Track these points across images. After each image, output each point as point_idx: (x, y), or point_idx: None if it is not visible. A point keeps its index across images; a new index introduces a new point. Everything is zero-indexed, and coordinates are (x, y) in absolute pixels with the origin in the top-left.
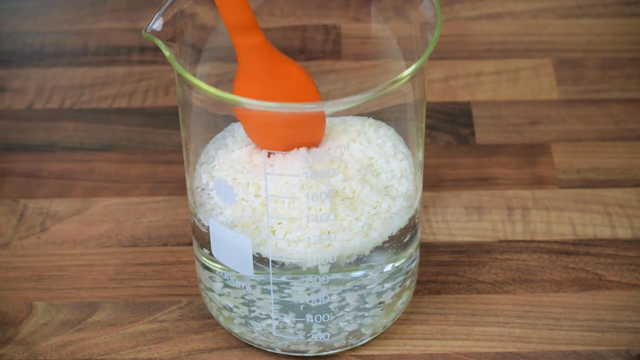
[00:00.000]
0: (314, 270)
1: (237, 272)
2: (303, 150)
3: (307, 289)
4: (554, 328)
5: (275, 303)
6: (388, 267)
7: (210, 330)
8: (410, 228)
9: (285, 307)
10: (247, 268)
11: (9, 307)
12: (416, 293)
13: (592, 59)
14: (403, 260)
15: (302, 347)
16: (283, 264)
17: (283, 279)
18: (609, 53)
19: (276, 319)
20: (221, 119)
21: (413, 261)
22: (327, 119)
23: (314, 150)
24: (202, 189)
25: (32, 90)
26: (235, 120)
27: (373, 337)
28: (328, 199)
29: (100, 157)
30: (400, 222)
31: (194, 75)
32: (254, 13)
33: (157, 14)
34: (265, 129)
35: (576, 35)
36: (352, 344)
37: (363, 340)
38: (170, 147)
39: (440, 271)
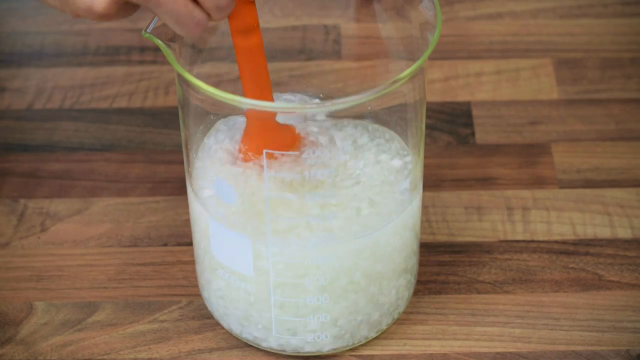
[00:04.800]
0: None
1: (237, 272)
2: (303, 151)
3: (307, 289)
4: (554, 328)
5: (275, 302)
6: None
7: (210, 330)
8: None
9: (285, 306)
10: (247, 268)
11: (9, 307)
12: (416, 293)
13: (592, 59)
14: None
15: (302, 347)
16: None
17: (283, 279)
18: (609, 53)
19: (276, 319)
20: (221, 119)
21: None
22: (326, 121)
23: (313, 151)
24: (202, 189)
25: (32, 90)
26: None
27: (373, 337)
28: (327, 200)
29: (100, 157)
30: (399, 222)
31: (194, 75)
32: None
33: None
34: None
35: (576, 35)
36: (352, 344)
37: (363, 340)
38: (170, 147)
39: (440, 271)
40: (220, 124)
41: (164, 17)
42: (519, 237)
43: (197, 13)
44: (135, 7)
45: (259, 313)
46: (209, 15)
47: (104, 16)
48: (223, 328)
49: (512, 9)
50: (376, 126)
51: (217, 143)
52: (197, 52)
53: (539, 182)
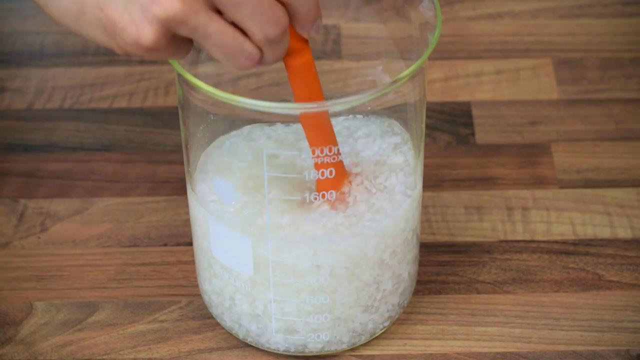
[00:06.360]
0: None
1: (237, 272)
2: (303, 151)
3: (307, 288)
4: (554, 328)
5: (275, 302)
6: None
7: (210, 330)
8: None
9: (285, 306)
10: (247, 268)
11: (9, 307)
12: (416, 293)
13: (592, 59)
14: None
15: (302, 347)
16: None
17: (283, 278)
18: (609, 53)
19: (276, 319)
20: (221, 119)
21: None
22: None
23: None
24: (202, 189)
25: (32, 90)
26: (236, 127)
27: (373, 337)
28: (328, 197)
29: (100, 157)
30: (399, 222)
31: (194, 75)
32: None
33: None
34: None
35: (576, 35)
36: (353, 344)
37: (363, 340)
38: (170, 147)
39: (440, 271)
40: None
41: (213, 51)
42: (519, 237)
43: (248, 46)
44: (189, 42)
45: (259, 313)
46: (260, 49)
47: (153, 50)
48: (223, 328)
49: (512, 9)
50: (377, 121)
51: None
52: (197, 52)
53: (539, 182)
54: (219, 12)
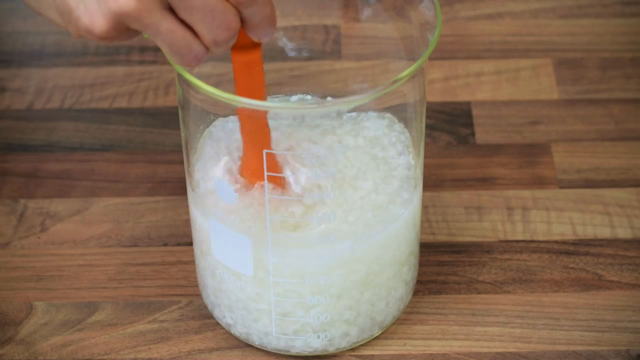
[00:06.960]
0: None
1: (237, 272)
2: (304, 149)
3: (307, 289)
4: (554, 328)
5: (275, 302)
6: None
7: (210, 330)
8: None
9: (285, 306)
10: (247, 268)
11: (9, 307)
12: (416, 293)
13: (592, 59)
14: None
15: (302, 347)
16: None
17: (283, 279)
18: (609, 53)
19: (276, 319)
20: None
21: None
22: (327, 118)
23: (315, 148)
24: (202, 189)
25: (32, 90)
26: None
27: (373, 337)
28: (327, 200)
29: (100, 157)
30: (399, 222)
31: (194, 75)
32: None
33: None
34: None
35: (576, 35)
36: (352, 344)
37: (363, 340)
38: (170, 147)
39: (440, 271)
40: (217, 123)
41: (162, 46)
42: (519, 237)
43: (196, 46)
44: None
45: (258, 313)
46: (207, 48)
47: (104, 38)
48: (223, 328)
49: (512, 9)
50: (377, 120)
51: (216, 145)
52: None
53: (539, 182)
54: (171, 8)
